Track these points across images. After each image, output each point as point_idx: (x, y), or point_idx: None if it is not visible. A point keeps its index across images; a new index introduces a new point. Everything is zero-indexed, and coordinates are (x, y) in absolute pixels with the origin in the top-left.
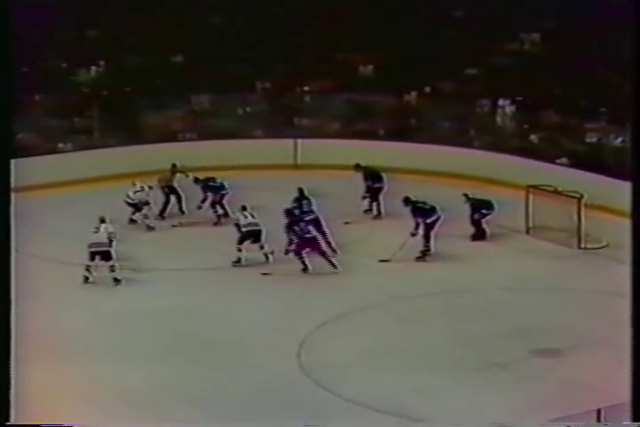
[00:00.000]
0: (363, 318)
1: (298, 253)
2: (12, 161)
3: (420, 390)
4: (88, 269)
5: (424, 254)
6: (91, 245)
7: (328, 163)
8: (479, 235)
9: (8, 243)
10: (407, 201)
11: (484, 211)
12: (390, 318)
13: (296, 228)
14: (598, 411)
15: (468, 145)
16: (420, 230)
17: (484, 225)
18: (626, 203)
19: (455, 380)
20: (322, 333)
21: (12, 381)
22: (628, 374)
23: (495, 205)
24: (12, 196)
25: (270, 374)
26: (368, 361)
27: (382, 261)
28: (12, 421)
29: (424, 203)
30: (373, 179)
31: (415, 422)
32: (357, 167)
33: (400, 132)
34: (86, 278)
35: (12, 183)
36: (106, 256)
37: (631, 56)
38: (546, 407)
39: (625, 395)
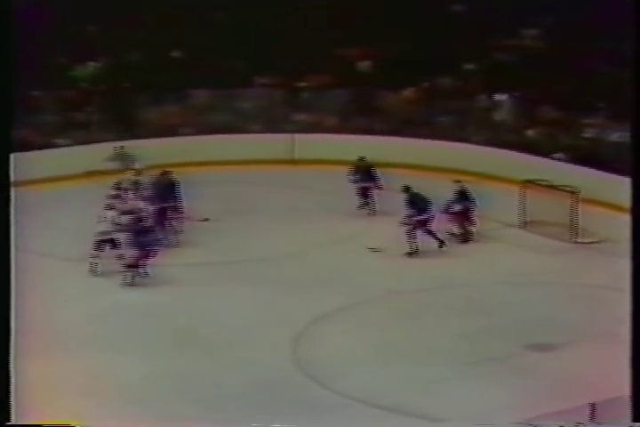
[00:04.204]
0: (359, 313)
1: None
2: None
3: (416, 385)
4: (94, 258)
5: (411, 252)
6: (98, 234)
7: (325, 158)
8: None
9: (8, 238)
10: (406, 190)
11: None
12: (386, 313)
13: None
14: (592, 405)
15: (466, 140)
16: (411, 225)
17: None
18: (621, 198)
19: (451, 374)
20: (318, 328)
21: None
22: (624, 369)
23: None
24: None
25: (265, 370)
26: (364, 356)
27: (372, 249)
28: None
29: (422, 198)
30: (368, 175)
31: (412, 418)
32: (360, 161)
33: (398, 128)
34: (92, 268)
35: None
36: (112, 244)
37: (631, 53)
38: (541, 401)
39: (620, 390)
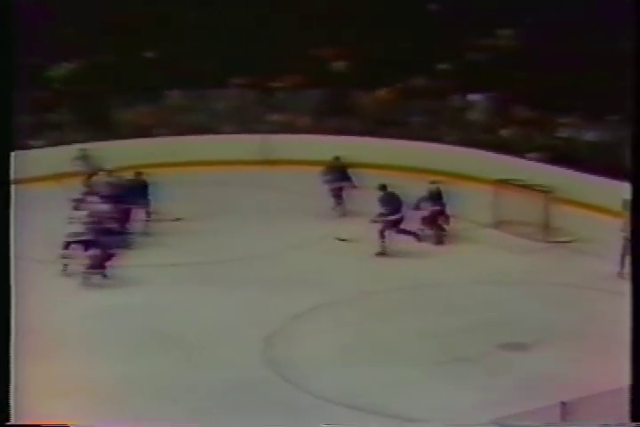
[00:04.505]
0: (332, 313)
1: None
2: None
3: (389, 385)
4: (65, 259)
5: (383, 252)
6: (68, 235)
7: (299, 158)
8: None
9: (8, 238)
10: (382, 189)
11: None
12: (359, 313)
13: None
14: (563, 404)
15: (440, 140)
16: (384, 224)
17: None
18: (595, 197)
19: (424, 374)
20: (291, 328)
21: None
22: (596, 368)
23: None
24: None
25: (238, 370)
26: (337, 356)
27: (341, 240)
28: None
29: (397, 197)
30: (342, 175)
31: (385, 418)
32: (334, 161)
33: (372, 128)
34: (64, 269)
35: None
36: (82, 245)
37: (631, 54)
38: (513, 401)
39: (592, 389)
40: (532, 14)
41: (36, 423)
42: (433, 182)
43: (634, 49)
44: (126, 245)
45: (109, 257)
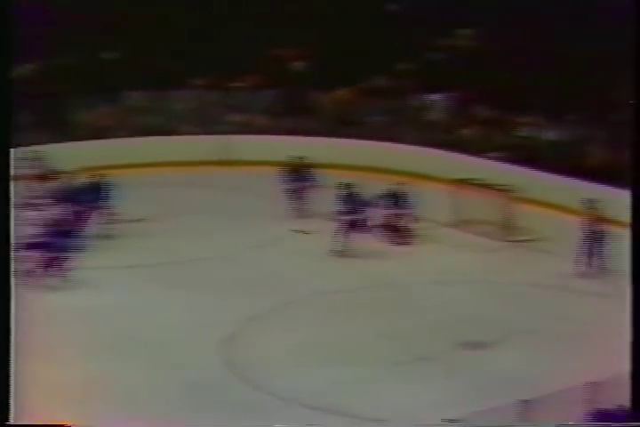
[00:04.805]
0: (291, 314)
1: None
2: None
3: (349, 385)
4: (19, 261)
5: (342, 252)
6: (21, 237)
7: (259, 159)
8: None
9: (7, 239)
10: (344, 188)
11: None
12: (317, 313)
13: None
14: (522, 402)
15: (400, 140)
16: (341, 224)
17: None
18: (555, 196)
19: (383, 374)
20: (249, 329)
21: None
22: (555, 366)
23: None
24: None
25: (196, 371)
26: (296, 357)
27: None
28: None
29: (358, 197)
30: (301, 175)
31: (345, 418)
32: (294, 161)
33: (332, 128)
34: (18, 272)
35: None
36: (36, 247)
37: (631, 53)
38: (473, 399)
39: (551, 387)
40: (492, 14)
41: (36, 424)
42: (394, 184)
43: (634, 49)
44: (81, 248)
45: (64, 259)
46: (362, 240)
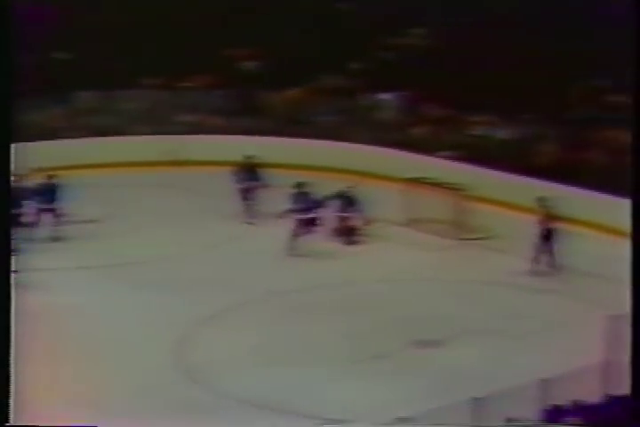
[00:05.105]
0: (243, 314)
1: None
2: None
3: (301, 385)
4: None
5: (294, 251)
6: None
7: (211, 159)
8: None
9: (7, 239)
10: (296, 187)
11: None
12: (270, 313)
13: None
14: (476, 400)
15: (351, 139)
16: (293, 223)
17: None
18: (506, 194)
19: (337, 373)
20: (201, 329)
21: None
22: (508, 364)
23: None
24: None
25: (149, 373)
26: (249, 357)
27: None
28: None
29: (310, 197)
30: (253, 175)
31: (299, 418)
32: (245, 161)
33: (283, 128)
34: None
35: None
36: None
37: (632, 54)
38: (427, 397)
39: (504, 383)
40: (444, 13)
41: (36, 424)
42: (345, 183)
43: (634, 51)
44: (32, 249)
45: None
46: (314, 240)
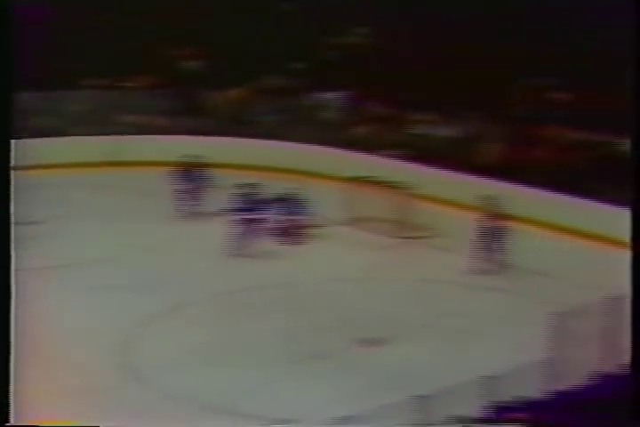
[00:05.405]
0: (184, 315)
1: None
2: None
3: (245, 386)
4: None
5: (238, 252)
6: None
7: (153, 159)
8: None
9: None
10: (240, 187)
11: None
12: (212, 314)
13: None
14: (420, 398)
15: (294, 139)
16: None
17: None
18: (449, 192)
19: (279, 373)
20: (143, 330)
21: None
22: (452, 360)
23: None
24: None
25: (92, 374)
26: (191, 358)
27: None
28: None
29: (254, 197)
30: (195, 175)
31: (241, 418)
32: (187, 161)
33: (225, 127)
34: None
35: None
36: None
37: (632, 54)
38: (370, 396)
39: (448, 381)
40: (387, 12)
41: (36, 424)
42: (288, 183)
43: (634, 52)
44: None
45: None
46: (256, 240)
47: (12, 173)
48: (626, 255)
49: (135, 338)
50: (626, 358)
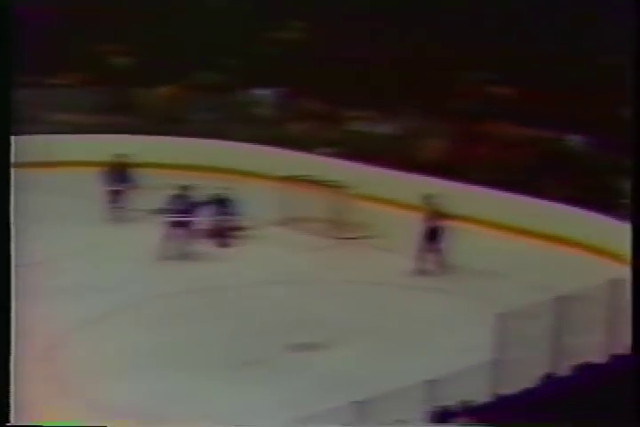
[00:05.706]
0: (116, 320)
1: None
2: None
3: (175, 392)
4: None
5: (169, 255)
6: None
7: (81, 159)
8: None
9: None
10: (171, 187)
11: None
12: (143, 319)
13: None
14: (359, 403)
15: (227, 137)
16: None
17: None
18: (387, 191)
19: (214, 379)
20: (74, 335)
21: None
22: (393, 364)
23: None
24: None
25: (21, 378)
26: (124, 363)
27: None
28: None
29: (184, 198)
30: (123, 176)
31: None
32: (115, 161)
33: (156, 126)
34: None
35: None
36: None
37: (632, 55)
38: (308, 401)
39: (389, 385)
40: (323, 6)
41: (36, 424)
42: (221, 183)
43: (634, 50)
44: None
45: None
46: (189, 243)
47: None
48: (571, 254)
49: (65, 343)
50: (574, 358)
